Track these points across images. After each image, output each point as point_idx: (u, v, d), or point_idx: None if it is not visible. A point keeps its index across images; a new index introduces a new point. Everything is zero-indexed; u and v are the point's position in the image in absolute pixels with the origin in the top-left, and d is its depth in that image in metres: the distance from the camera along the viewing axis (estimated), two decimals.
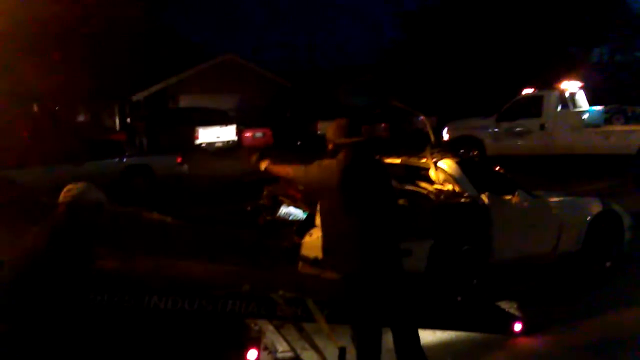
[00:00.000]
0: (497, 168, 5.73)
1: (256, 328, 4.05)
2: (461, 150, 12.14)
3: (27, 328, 2.70)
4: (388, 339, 3.35)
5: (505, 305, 4.54)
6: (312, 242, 4.14)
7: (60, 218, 2.94)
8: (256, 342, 3.40)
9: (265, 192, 5.44)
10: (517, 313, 4.39)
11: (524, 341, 4.02)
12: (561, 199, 5.76)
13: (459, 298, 4.44)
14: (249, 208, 5.26)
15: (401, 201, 4.27)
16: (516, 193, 5.06)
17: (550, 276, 5.21)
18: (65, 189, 3.01)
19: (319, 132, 19.53)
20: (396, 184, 4.48)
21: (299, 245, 4.29)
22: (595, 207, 5.60)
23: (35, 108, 21.74)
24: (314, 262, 3.95)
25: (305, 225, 4.42)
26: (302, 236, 4.36)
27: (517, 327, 4.05)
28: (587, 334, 4.12)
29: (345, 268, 3.12)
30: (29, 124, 16.95)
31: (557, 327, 4.24)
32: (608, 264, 5.57)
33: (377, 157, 4.94)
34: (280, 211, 4.89)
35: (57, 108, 21.86)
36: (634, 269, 5.61)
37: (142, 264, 3.56)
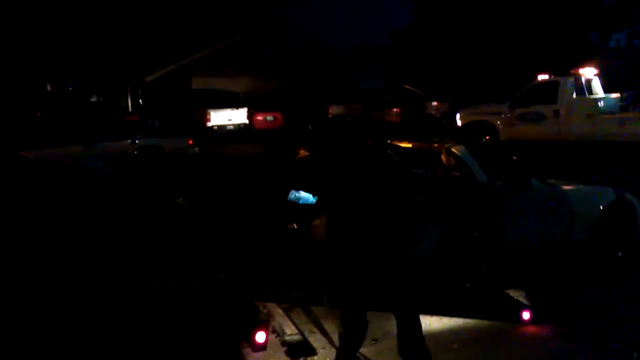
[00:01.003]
0: (511, 155, 5.67)
1: (265, 311, 4.09)
2: (474, 143, 12.03)
3: None
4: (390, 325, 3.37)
5: (514, 293, 4.52)
6: (322, 225, 4.13)
7: None
8: (264, 325, 3.43)
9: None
10: (525, 301, 4.38)
11: (532, 330, 4.01)
12: (574, 187, 5.70)
13: (467, 284, 4.43)
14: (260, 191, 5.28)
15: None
16: (529, 181, 5.01)
17: (561, 264, 5.18)
18: None
19: (330, 116, 19.47)
20: (407, 169, 4.46)
21: (308, 228, 4.29)
22: (608, 196, 5.54)
23: (49, 88, 21.86)
24: (321, 245, 3.96)
25: (315, 209, 4.41)
26: (312, 220, 4.35)
27: (526, 315, 4.04)
28: (596, 324, 4.09)
29: (340, 252, 3.17)
30: (42, 104, 17.07)
31: (567, 316, 4.22)
32: (620, 253, 5.53)
33: (386, 142, 4.94)
34: (290, 195, 4.89)
35: (70, 88, 21.98)
36: None
37: None
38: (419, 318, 3.23)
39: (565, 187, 5.52)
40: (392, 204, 3.17)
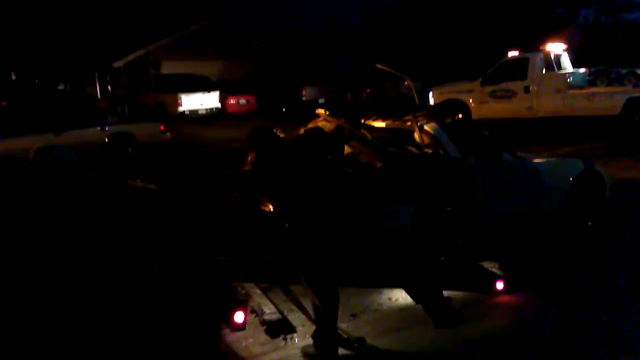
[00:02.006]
0: (482, 131, 5.74)
1: (243, 292, 4.10)
2: (446, 114, 12.14)
3: None
4: (368, 301, 3.41)
5: (487, 264, 4.62)
6: None
7: None
8: (243, 305, 3.44)
9: (249, 158, 5.41)
10: (499, 272, 4.48)
11: (506, 299, 4.10)
12: (544, 160, 5.82)
13: (442, 258, 4.51)
14: (232, 174, 5.22)
15: (379, 164, 4.29)
16: (500, 155, 5.08)
17: (533, 235, 5.30)
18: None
19: (304, 99, 19.38)
20: (381, 147, 4.50)
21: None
22: (578, 167, 5.66)
23: (14, 76, 21.23)
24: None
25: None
26: None
27: (499, 285, 4.13)
28: (567, 291, 4.21)
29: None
30: (8, 92, 16.59)
31: (539, 285, 4.33)
32: (590, 222, 5.67)
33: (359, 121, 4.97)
34: None
35: (36, 82, 21.39)
36: (614, 227, 5.72)
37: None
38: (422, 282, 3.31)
39: (536, 160, 5.62)
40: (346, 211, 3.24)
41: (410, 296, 3.67)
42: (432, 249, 4.45)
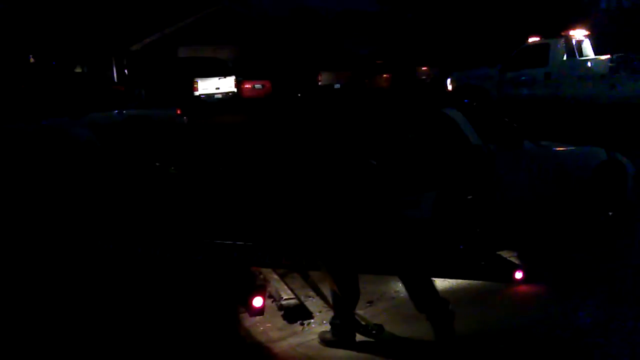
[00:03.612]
0: (503, 117, 5.66)
1: (261, 277, 4.11)
2: (465, 100, 12.01)
3: None
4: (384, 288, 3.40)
5: (506, 253, 4.57)
6: None
7: None
8: (261, 290, 3.44)
9: None
10: (518, 261, 4.43)
11: (525, 289, 4.06)
12: (565, 148, 5.72)
13: (461, 246, 4.47)
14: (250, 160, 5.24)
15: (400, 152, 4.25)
16: (521, 142, 5.01)
17: (553, 224, 5.23)
18: None
19: (320, 83, 19.29)
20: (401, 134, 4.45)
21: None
22: (599, 156, 5.56)
23: (32, 60, 21.40)
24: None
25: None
26: None
27: (518, 275, 4.09)
28: (587, 282, 4.16)
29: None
30: (26, 76, 16.74)
31: (558, 275, 4.28)
32: (610, 212, 5.59)
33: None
34: None
35: (53, 64, 21.52)
36: (637, 217, 5.63)
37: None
38: (425, 275, 3.25)
39: (557, 148, 5.54)
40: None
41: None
42: (451, 237, 4.42)
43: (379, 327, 3.36)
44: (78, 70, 23.75)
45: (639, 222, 5.49)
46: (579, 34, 12.88)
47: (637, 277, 4.19)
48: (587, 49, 13.00)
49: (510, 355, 3.11)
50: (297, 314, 3.67)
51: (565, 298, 3.88)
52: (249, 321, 3.57)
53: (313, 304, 3.83)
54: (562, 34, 12.79)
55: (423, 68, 19.93)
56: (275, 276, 4.13)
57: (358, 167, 3.21)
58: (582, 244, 4.89)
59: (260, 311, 3.39)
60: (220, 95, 17.64)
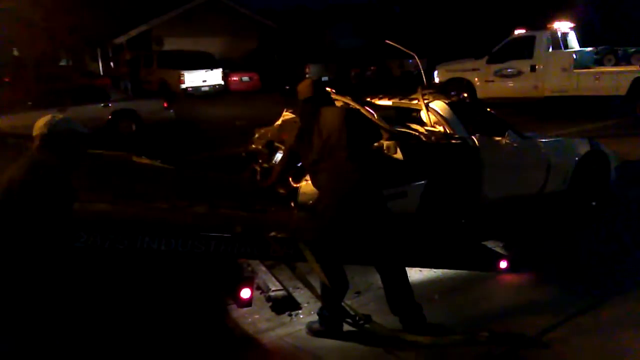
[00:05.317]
0: (488, 109, 5.71)
1: (249, 268, 4.13)
2: (452, 93, 12.08)
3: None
4: (372, 279, 3.42)
5: (491, 244, 4.63)
6: (308, 187, 4.12)
7: (36, 150, 2.75)
8: (249, 282, 3.45)
9: (256, 135, 5.40)
10: (503, 251, 4.49)
11: (509, 278, 4.13)
12: (550, 139, 5.79)
13: (447, 237, 4.51)
14: (243, 154, 5.23)
15: (387, 143, 4.27)
16: (506, 134, 5.06)
17: (538, 215, 5.30)
18: (38, 122, 2.83)
19: (307, 76, 19.25)
20: (387, 126, 4.46)
21: (295, 191, 4.26)
22: (583, 147, 5.63)
23: (16, 53, 21.04)
24: (308, 207, 3.96)
25: (301, 171, 4.39)
26: (298, 182, 4.33)
27: (503, 264, 4.15)
28: (571, 271, 4.23)
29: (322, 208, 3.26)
30: (10, 70, 16.47)
31: (542, 264, 4.35)
32: (594, 203, 5.67)
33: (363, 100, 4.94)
34: (276, 157, 4.85)
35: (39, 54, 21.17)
36: (619, 207, 5.72)
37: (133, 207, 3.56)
38: (402, 272, 3.29)
39: (542, 140, 5.60)
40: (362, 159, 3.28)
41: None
42: (437, 228, 4.46)
43: (367, 317, 3.40)
44: (63, 63, 23.43)
45: (620, 212, 5.58)
46: (564, 26, 12.98)
47: (614, 266, 4.27)
48: (573, 41, 13.10)
49: (493, 341, 3.15)
50: (285, 305, 3.70)
51: (547, 286, 3.96)
52: (237, 312, 3.59)
53: (301, 294, 3.85)
54: (548, 26, 12.88)
55: (410, 60, 19.94)
56: (263, 268, 4.15)
57: (351, 158, 3.21)
58: (566, 233, 4.96)
59: (249, 302, 3.41)
60: (207, 88, 17.53)
